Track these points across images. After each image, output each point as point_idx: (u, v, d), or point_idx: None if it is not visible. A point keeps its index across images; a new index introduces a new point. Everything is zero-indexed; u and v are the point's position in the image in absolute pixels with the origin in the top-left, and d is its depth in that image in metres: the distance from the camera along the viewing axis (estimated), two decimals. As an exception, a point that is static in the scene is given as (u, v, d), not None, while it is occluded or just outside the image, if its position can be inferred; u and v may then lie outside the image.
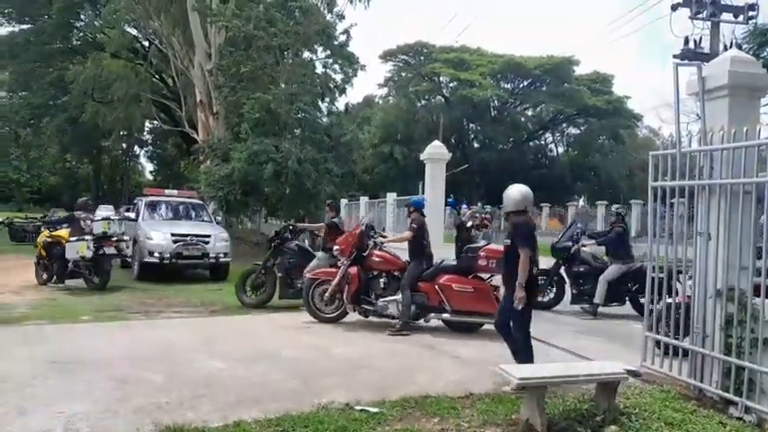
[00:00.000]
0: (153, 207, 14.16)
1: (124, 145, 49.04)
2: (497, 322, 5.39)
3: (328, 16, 21.09)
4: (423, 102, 47.55)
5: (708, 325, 4.77)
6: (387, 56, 47.21)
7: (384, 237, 8.39)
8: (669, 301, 6.47)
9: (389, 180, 39.70)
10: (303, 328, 7.56)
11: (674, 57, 17.06)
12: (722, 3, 17.08)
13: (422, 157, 13.22)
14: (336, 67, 20.93)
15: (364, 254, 7.61)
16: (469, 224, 10.94)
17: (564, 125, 49.09)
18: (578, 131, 48.98)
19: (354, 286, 7.45)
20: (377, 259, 7.62)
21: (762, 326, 4.34)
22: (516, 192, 5.26)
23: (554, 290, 9.57)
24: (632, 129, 47.69)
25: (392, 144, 43.72)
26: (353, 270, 7.48)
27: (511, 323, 5.21)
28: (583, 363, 5.66)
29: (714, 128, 4.79)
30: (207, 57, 20.20)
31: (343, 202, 22.76)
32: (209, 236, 12.41)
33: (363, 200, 27.61)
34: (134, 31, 28.07)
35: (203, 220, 13.99)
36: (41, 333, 6.94)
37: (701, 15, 16.92)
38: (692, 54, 16.54)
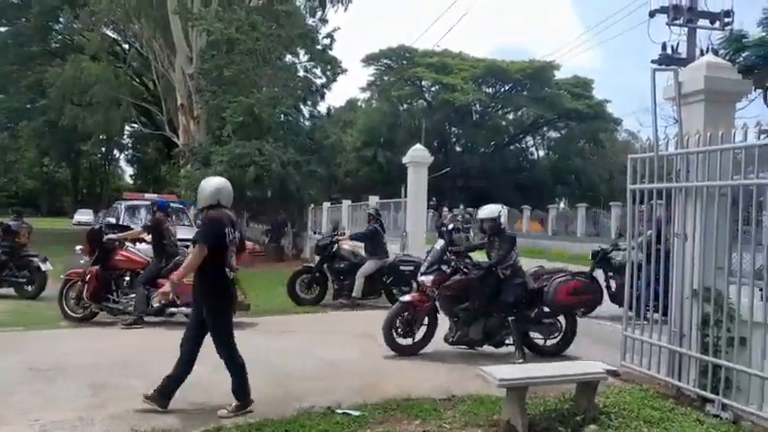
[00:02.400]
0: (133, 211, 14.03)
1: (103, 149, 48.60)
2: (183, 339, 4.55)
3: (311, 20, 21.12)
4: (405, 106, 47.67)
5: (685, 324, 4.84)
6: (369, 60, 47.29)
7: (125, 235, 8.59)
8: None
9: (372, 184, 39.70)
10: (281, 331, 7.54)
11: (652, 62, 17.30)
12: (699, 9, 17.38)
13: (404, 160, 13.22)
14: (317, 71, 20.95)
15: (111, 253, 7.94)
16: (450, 227, 10.99)
17: (545, 129, 49.51)
18: (559, 135, 49.44)
19: (93, 285, 7.75)
20: (120, 258, 7.98)
21: (738, 325, 4.42)
22: (208, 185, 4.70)
23: (318, 287, 9.85)
24: (612, 132, 48.28)
25: (375, 148, 43.78)
26: (93, 269, 7.79)
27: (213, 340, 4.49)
28: (563, 363, 5.71)
29: (690, 132, 4.86)
30: (188, 60, 20.08)
31: (326, 205, 22.71)
32: (189, 240, 12.30)
33: (346, 203, 27.53)
34: (114, 34, 27.80)
35: (184, 225, 13.89)
36: (18, 340, 6.82)
37: (678, 21, 17.20)
38: (669, 59, 16.79)
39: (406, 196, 13.01)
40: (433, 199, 13.63)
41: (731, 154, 4.56)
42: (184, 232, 12.75)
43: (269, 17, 18.78)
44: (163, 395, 4.38)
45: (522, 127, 49.23)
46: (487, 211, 6.49)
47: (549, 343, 6.42)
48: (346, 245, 9.96)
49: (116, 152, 57.92)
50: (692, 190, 4.83)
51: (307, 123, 20.69)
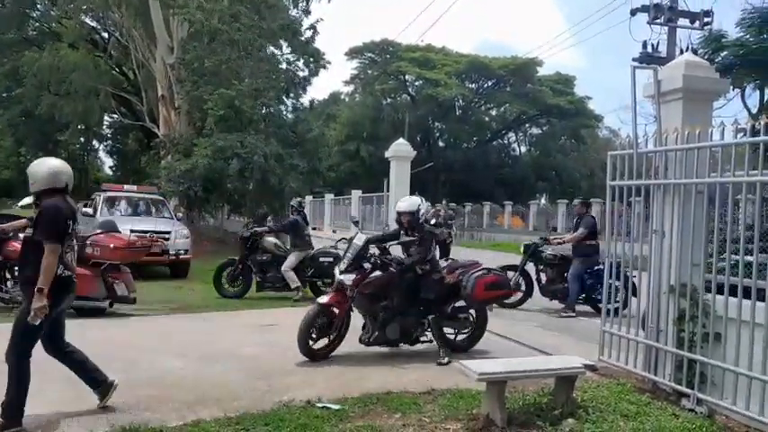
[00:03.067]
0: (112, 203, 13.86)
1: (82, 139, 47.58)
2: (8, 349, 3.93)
3: (294, 12, 20.95)
4: (389, 100, 47.56)
5: (662, 320, 4.91)
6: (353, 53, 47.06)
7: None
8: None
9: (355, 178, 39.65)
10: (262, 325, 7.49)
11: (633, 60, 17.52)
12: (679, 9, 17.62)
13: (387, 154, 13.25)
14: (300, 63, 20.81)
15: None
16: (432, 222, 11.02)
17: (527, 125, 49.74)
18: (541, 132, 49.69)
19: None
20: (11, 249, 7.86)
21: (713, 321, 4.50)
22: (45, 165, 4.06)
23: (242, 279, 9.84)
24: (593, 129, 48.64)
25: (358, 142, 43.65)
26: None
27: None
28: (542, 357, 5.76)
29: (669, 129, 4.92)
30: (169, 50, 19.79)
31: (308, 198, 22.67)
32: (168, 232, 12.20)
33: (328, 197, 27.51)
34: (93, 22, 27.29)
35: (163, 217, 13.75)
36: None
37: (658, 20, 17.42)
38: (649, 58, 17.00)
39: (388, 190, 13.03)
40: (416, 193, 13.64)
41: (708, 152, 4.63)
42: (163, 225, 12.65)
43: (251, 8, 18.58)
44: (103, 394, 4.27)
45: (504, 123, 49.41)
46: (406, 204, 6.18)
47: (459, 338, 6.29)
48: (270, 237, 9.94)
49: (95, 143, 56.91)
50: (669, 187, 4.89)
51: (289, 116, 20.58)
